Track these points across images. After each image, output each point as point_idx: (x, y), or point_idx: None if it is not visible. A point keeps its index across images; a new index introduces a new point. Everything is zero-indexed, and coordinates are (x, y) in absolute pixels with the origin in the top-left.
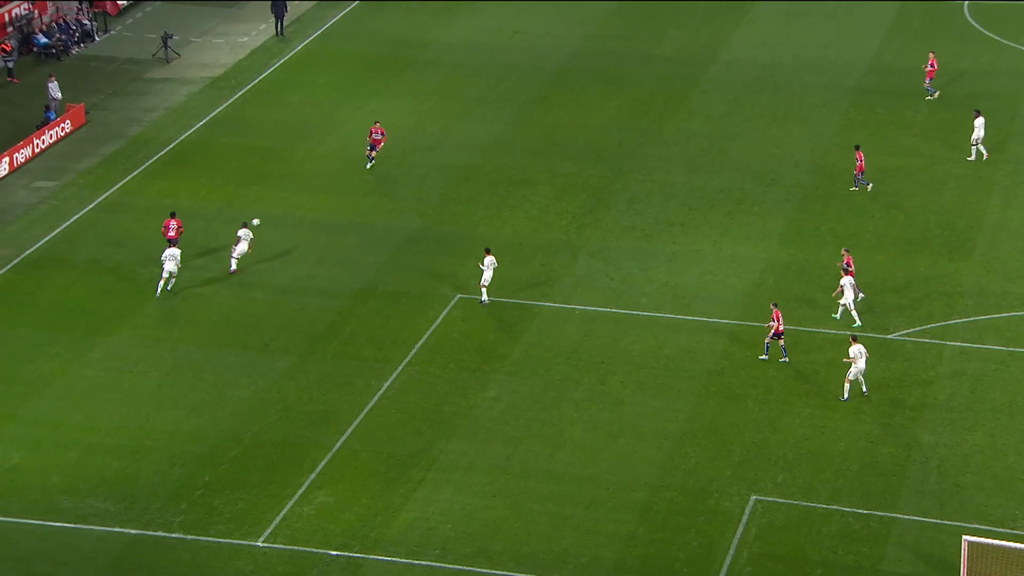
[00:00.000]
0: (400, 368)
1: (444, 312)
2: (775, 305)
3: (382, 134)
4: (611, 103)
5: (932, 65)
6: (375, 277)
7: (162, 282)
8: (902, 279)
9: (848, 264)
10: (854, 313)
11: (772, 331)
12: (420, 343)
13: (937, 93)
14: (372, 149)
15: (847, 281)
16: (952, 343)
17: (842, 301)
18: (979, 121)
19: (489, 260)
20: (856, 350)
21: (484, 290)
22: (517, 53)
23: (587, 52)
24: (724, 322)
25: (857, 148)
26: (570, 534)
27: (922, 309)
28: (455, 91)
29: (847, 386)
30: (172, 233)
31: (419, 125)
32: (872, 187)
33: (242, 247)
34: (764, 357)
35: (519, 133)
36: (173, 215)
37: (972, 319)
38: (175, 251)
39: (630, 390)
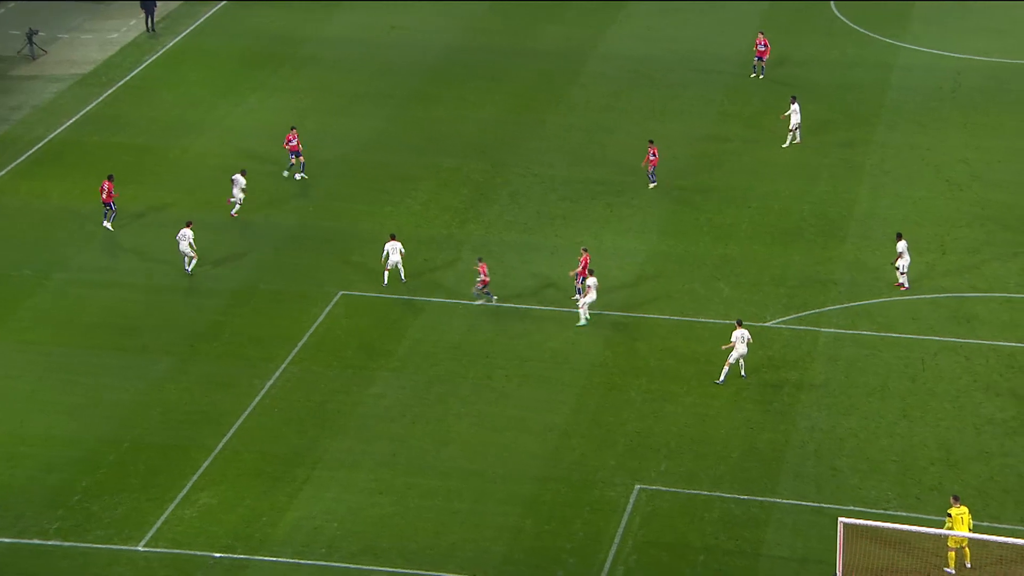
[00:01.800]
0: (283, 367)
1: (327, 309)
2: (480, 259)
3: (294, 139)
4: (491, 98)
5: (762, 45)
6: (256, 275)
7: (188, 260)
8: (778, 268)
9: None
10: (582, 312)
11: (479, 283)
12: (303, 341)
13: (762, 76)
14: (296, 156)
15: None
16: (826, 329)
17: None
18: (795, 107)
19: (392, 244)
20: (738, 335)
21: (386, 275)
22: (395, 49)
23: (465, 47)
24: (607, 314)
25: (651, 143)
26: (457, 528)
27: (798, 297)
28: (333, 87)
29: (725, 369)
30: (105, 196)
31: (297, 122)
32: (655, 183)
33: (238, 194)
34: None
35: (399, 129)
36: (110, 178)
37: (845, 305)
38: (186, 231)
39: (515, 384)
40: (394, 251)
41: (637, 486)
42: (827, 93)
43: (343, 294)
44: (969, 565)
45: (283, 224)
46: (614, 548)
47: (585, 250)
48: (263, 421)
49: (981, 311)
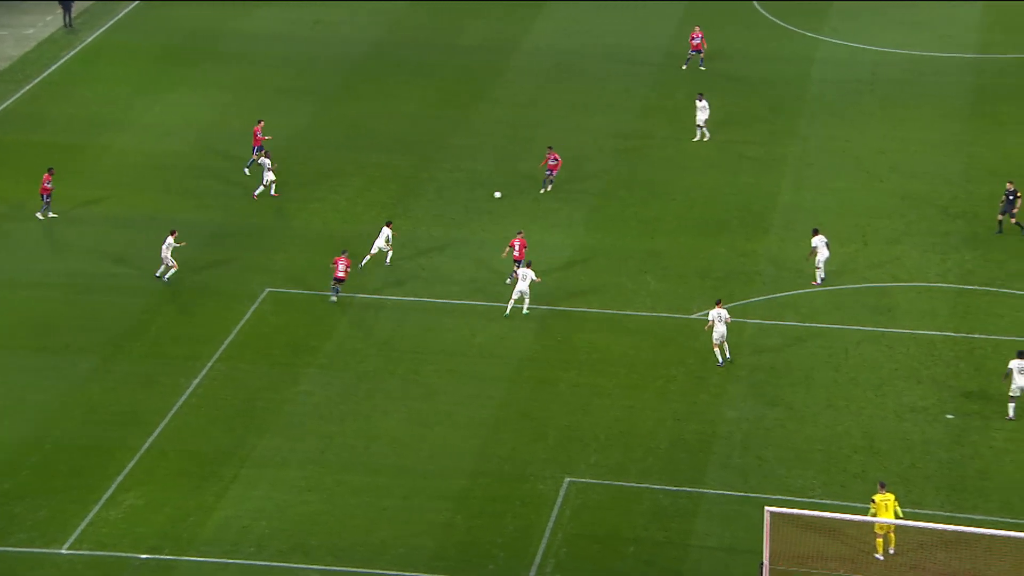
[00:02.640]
0: (209, 365)
1: (253, 307)
2: (344, 251)
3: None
4: (417, 93)
5: (698, 38)
6: (180, 273)
7: (164, 268)
8: (704, 261)
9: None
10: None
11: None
12: (229, 339)
13: (691, 67)
14: (259, 151)
15: None
16: (752, 320)
17: None
18: (702, 103)
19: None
20: (715, 314)
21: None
22: (318, 44)
23: (390, 42)
24: (535, 307)
25: (550, 149)
26: (387, 525)
27: (723, 289)
28: (256, 83)
29: (716, 351)
30: (42, 187)
31: (220, 118)
32: (548, 189)
33: (268, 176)
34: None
35: (324, 125)
36: (50, 171)
37: (770, 297)
38: (170, 240)
39: (444, 379)
40: (380, 237)
41: (567, 479)
42: (749, 86)
43: (270, 291)
44: (892, 551)
45: (207, 221)
46: (544, 541)
47: (520, 233)
48: (189, 420)
49: (902, 301)
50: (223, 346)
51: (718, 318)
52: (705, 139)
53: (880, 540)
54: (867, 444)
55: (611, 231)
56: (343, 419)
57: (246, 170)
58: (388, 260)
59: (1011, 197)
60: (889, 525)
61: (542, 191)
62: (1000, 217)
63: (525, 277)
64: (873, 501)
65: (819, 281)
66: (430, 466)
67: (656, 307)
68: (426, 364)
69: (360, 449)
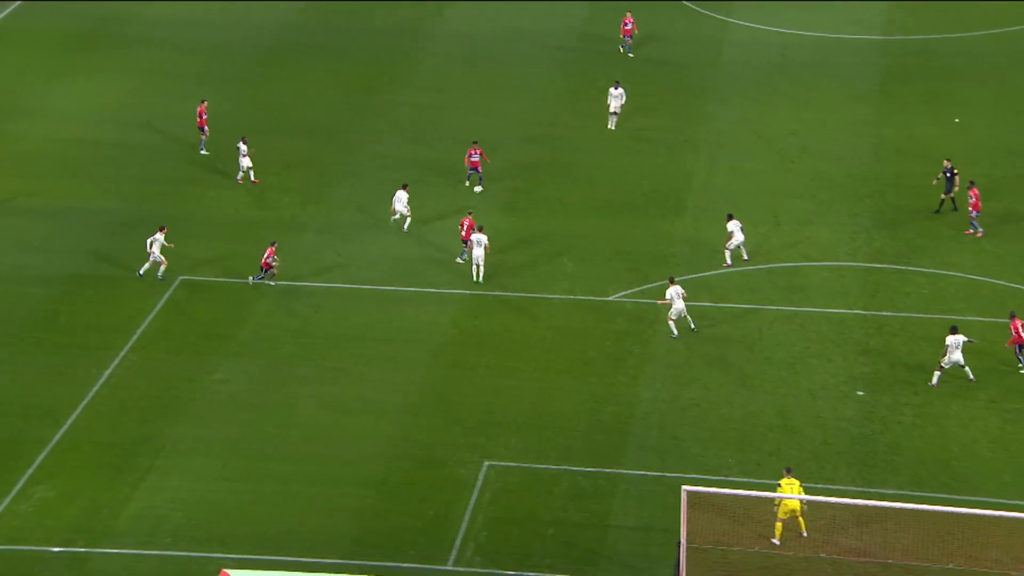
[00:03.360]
0: (121, 355)
1: (166, 295)
2: (274, 241)
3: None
4: (328, 78)
5: (628, 23)
6: (90, 263)
7: (149, 266)
8: (620, 243)
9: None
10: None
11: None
12: (142, 328)
13: (630, 55)
14: (202, 131)
15: None
16: (667, 302)
17: None
18: (618, 91)
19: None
20: (672, 291)
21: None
22: (229, 28)
23: (302, 26)
24: (452, 292)
25: (474, 143)
26: (306, 512)
27: (639, 271)
28: (167, 68)
29: (671, 324)
30: None
31: (130, 104)
32: (478, 189)
33: (245, 161)
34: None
35: (237, 110)
36: None
37: (684, 278)
38: (158, 236)
39: (361, 364)
40: (399, 201)
41: (486, 463)
42: (661, 69)
43: (182, 279)
44: (805, 534)
45: (118, 209)
46: (464, 525)
47: (470, 213)
48: (102, 411)
49: (813, 280)
50: (135, 335)
51: (676, 295)
52: (611, 127)
53: (780, 524)
54: (781, 422)
55: (527, 215)
56: (260, 407)
57: (202, 151)
58: (406, 226)
59: (950, 175)
60: (795, 510)
61: (467, 184)
62: (944, 196)
63: (480, 243)
64: (779, 486)
65: (729, 263)
66: (348, 452)
67: (573, 290)
68: (343, 350)
69: (277, 436)
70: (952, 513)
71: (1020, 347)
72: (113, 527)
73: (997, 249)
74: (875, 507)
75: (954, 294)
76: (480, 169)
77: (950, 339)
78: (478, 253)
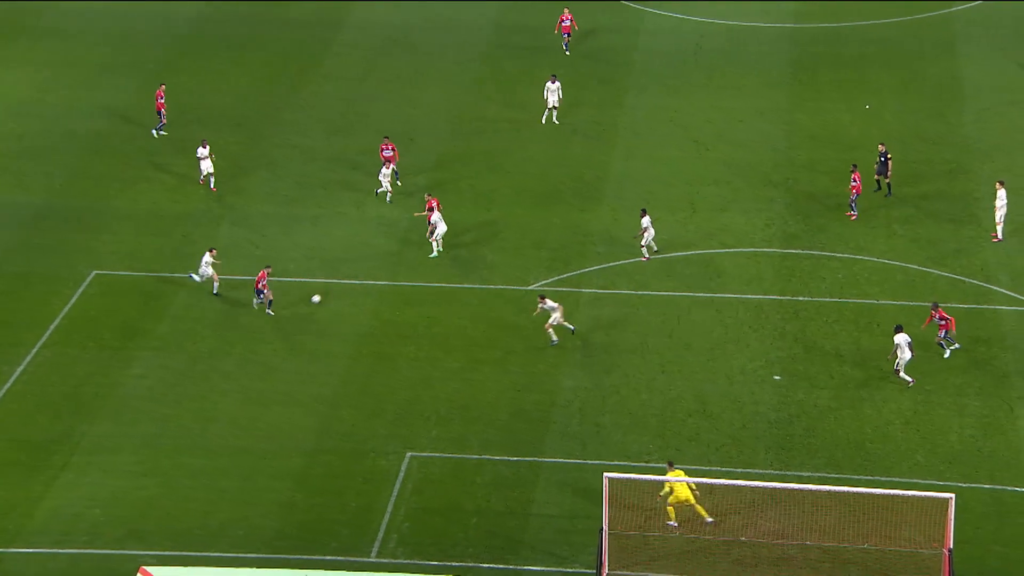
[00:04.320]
0: (34, 351)
1: (79, 290)
2: (268, 265)
3: (161, 97)
4: (242, 68)
5: (567, 20)
6: (0, 258)
7: (201, 280)
8: (539, 232)
9: None
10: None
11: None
12: (55, 323)
13: (567, 52)
14: (159, 114)
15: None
16: (587, 290)
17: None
18: (554, 85)
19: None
20: (548, 305)
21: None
22: (138, 18)
23: (212, 16)
24: (372, 283)
25: (386, 138)
26: (227, 507)
27: (559, 259)
28: (76, 59)
29: (550, 331)
30: None
31: (39, 96)
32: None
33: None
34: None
35: (149, 101)
36: None
37: (604, 266)
38: (208, 257)
39: (281, 357)
40: (440, 222)
41: (408, 453)
42: (578, 59)
43: (97, 274)
44: (710, 520)
45: (27, 203)
46: (387, 517)
47: (430, 195)
48: (14, 408)
49: (729, 266)
50: (48, 331)
51: (553, 308)
52: (555, 122)
53: (672, 509)
54: (700, 408)
55: (446, 203)
56: (178, 401)
57: (154, 132)
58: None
59: (884, 159)
60: (688, 499)
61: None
62: (877, 177)
63: (439, 220)
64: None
65: (647, 259)
66: (269, 445)
67: (493, 279)
68: (263, 343)
69: (197, 431)
70: (867, 494)
71: (946, 333)
72: (26, 526)
73: (909, 233)
74: (793, 490)
75: (867, 278)
76: (394, 165)
77: (898, 338)
78: (443, 229)
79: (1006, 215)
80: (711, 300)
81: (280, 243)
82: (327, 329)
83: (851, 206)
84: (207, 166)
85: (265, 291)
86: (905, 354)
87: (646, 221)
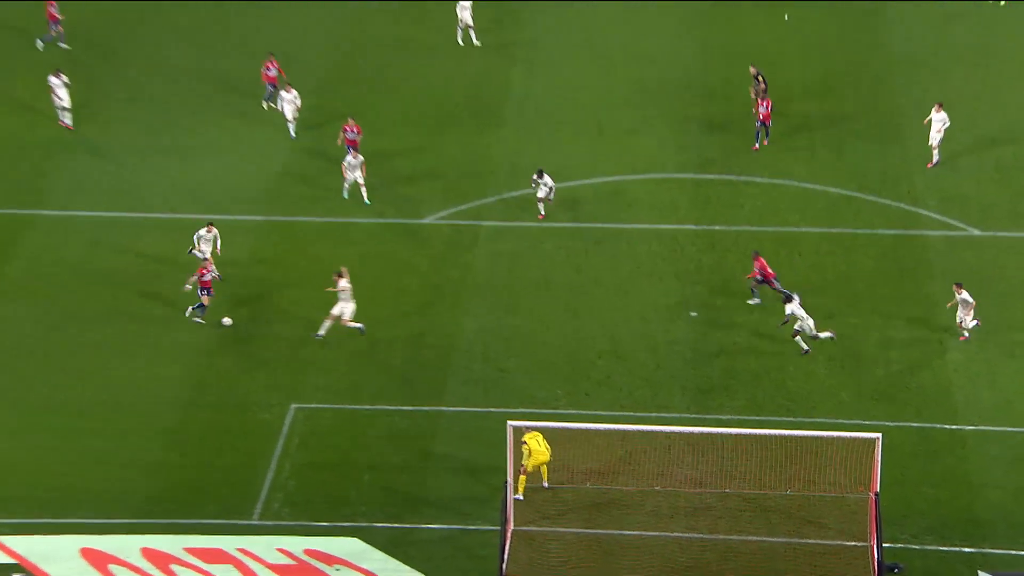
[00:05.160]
0: None
1: None
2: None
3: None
4: None
5: None
6: None
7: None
8: (432, 159)
9: None
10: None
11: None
12: None
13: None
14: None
15: None
16: (487, 223)
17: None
18: (467, 3)
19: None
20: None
21: None
22: None
23: None
24: (249, 219)
25: (271, 55)
26: (93, 469)
27: (455, 190)
28: None
29: (328, 323)
30: None
31: None
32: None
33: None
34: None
35: None
36: None
37: (505, 196)
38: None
39: (149, 302)
40: (351, 168)
41: (292, 405)
42: None
43: None
44: (546, 484)
45: None
46: (270, 474)
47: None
48: None
49: (640, 193)
50: None
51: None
52: (475, 44)
53: (524, 478)
54: (612, 348)
55: (328, 130)
56: (35, 353)
57: (40, 43)
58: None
59: (759, 81)
60: (540, 459)
61: (264, 103)
62: (755, 111)
63: (354, 167)
64: (524, 442)
65: (543, 215)
66: (138, 400)
67: (384, 212)
68: (128, 287)
69: (62, 388)
70: (790, 436)
71: (764, 280)
72: None
73: (830, 155)
74: (711, 434)
75: (788, 205)
76: (278, 85)
77: (791, 307)
78: (356, 176)
79: (942, 140)
80: (621, 231)
81: (144, 176)
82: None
83: (757, 135)
84: (62, 98)
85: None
86: (807, 322)
87: (548, 182)
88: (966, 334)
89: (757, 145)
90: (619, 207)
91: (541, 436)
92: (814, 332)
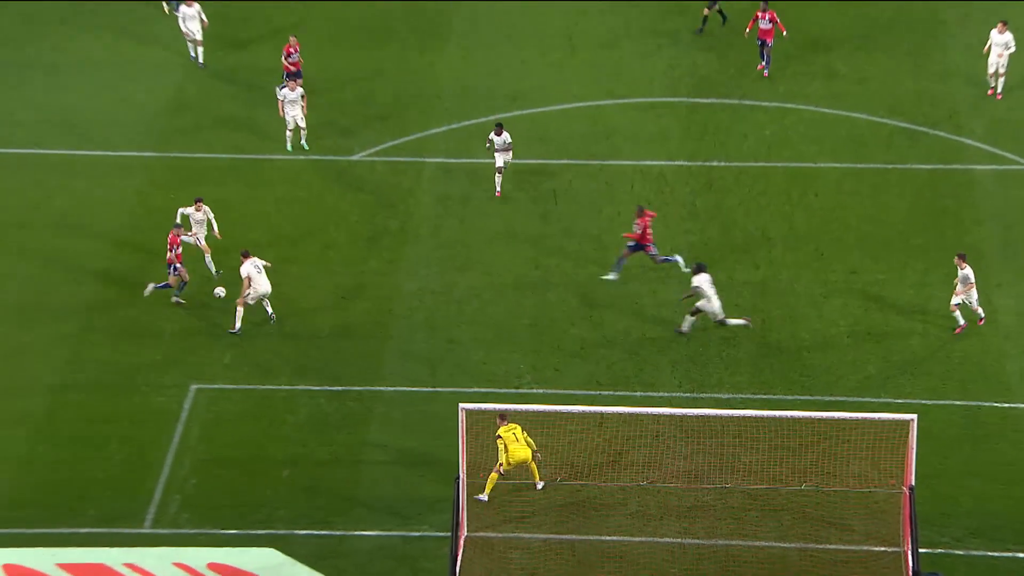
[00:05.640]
0: None
1: None
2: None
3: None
4: None
5: None
6: None
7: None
8: (364, 82)
9: None
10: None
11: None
12: None
13: None
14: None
15: None
16: (432, 159)
17: None
18: None
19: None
20: (248, 267)
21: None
22: None
23: None
24: (136, 155)
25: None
26: None
27: (393, 119)
28: None
29: (239, 314)
30: None
31: None
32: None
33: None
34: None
35: None
36: None
37: (454, 126)
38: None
39: (12, 258)
40: (293, 106)
41: (193, 386)
42: None
43: None
44: (540, 485)
45: None
46: (165, 472)
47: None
48: None
49: (622, 122)
50: None
51: (255, 267)
52: None
53: (495, 475)
54: (586, 313)
55: (243, 50)
56: None
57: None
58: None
59: None
60: (526, 459)
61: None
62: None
63: (295, 102)
64: (499, 436)
65: (499, 192)
66: None
67: (305, 147)
68: None
69: None
70: (805, 419)
71: (639, 246)
72: None
73: (855, 72)
74: (708, 417)
75: (803, 134)
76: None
77: (698, 280)
78: (296, 113)
79: (1008, 66)
80: (599, 168)
81: (3, 101)
82: (73, 220)
83: (761, 55)
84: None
85: (179, 267)
86: (714, 303)
87: (506, 140)
88: (981, 314)
89: (762, 64)
90: (595, 139)
91: (519, 428)
92: (720, 317)
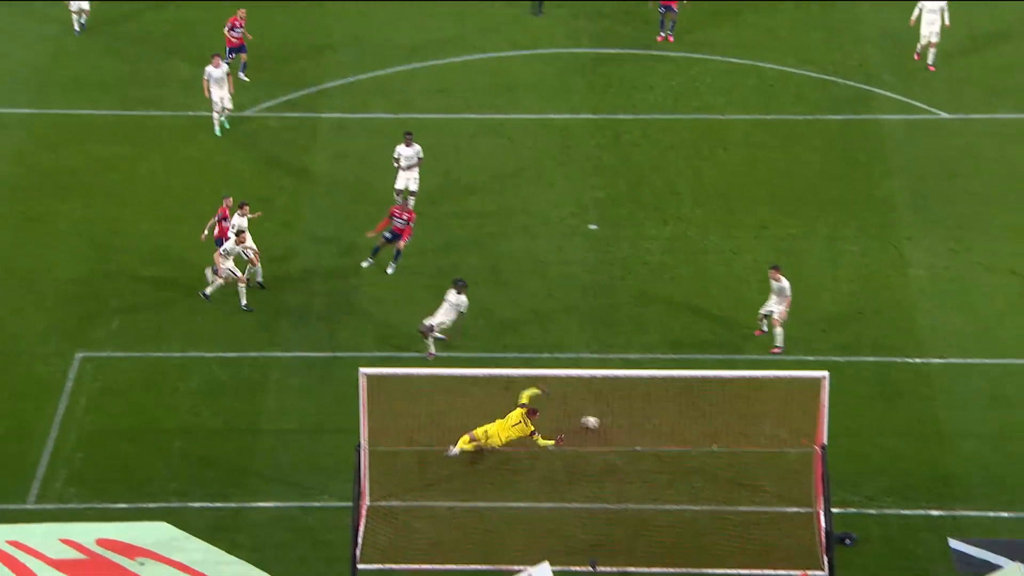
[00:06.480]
0: None
1: None
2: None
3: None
4: None
5: None
6: None
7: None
8: (253, 34)
9: None
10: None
11: None
12: None
13: None
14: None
15: None
16: (328, 115)
17: None
18: None
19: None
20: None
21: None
22: None
23: None
24: (12, 112)
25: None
26: None
27: (286, 72)
28: None
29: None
30: None
31: None
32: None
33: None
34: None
35: None
36: None
37: (350, 80)
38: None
39: None
40: (220, 85)
41: (78, 354)
42: None
43: None
44: (455, 451)
45: None
46: (50, 445)
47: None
48: None
49: (524, 75)
50: None
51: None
52: None
53: (467, 436)
54: (490, 273)
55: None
56: None
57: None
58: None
59: None
60: (496, 441)
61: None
62: None
63: (221, 81)
64: (475, 439)
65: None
66: None
67: (193, 104)
68: None
69: None
70: (715, 378)
71: (395, 237)
72: None
73: (764, 21)
74: (616, 378)
75: (710, 84)
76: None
77: (452, 297)
78: (223, 94)
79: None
80: (500, 123)
81: None
82: None
83: (661, 24)
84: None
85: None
86: (449, 315)
87: (416, 153)
88: (765, 328)
89: (663, 35)
90: (495, 92)
91: (502, 420)
92: (430, 324)
